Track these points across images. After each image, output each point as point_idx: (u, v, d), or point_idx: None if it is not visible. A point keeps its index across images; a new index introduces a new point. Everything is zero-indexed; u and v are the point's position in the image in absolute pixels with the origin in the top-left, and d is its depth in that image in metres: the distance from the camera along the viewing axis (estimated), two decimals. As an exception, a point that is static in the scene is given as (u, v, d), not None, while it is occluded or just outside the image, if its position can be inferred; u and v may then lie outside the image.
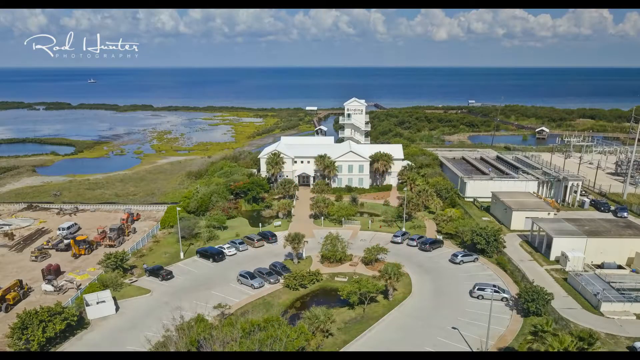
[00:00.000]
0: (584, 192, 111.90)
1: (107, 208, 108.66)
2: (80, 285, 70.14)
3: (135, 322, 60.23)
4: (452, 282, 70.71)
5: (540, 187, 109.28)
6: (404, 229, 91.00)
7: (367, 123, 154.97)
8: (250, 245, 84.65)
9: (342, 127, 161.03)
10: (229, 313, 60.54)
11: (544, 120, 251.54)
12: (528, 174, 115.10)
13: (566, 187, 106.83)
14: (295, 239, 76.24)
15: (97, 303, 61.94)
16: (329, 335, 56.07)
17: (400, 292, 67.37)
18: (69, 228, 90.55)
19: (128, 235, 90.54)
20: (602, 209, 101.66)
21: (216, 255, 78.50)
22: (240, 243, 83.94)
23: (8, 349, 53.99)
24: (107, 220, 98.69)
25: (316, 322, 54.80)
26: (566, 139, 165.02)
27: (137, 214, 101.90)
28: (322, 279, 71.53)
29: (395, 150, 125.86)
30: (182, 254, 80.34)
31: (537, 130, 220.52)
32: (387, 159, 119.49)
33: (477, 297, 65.05)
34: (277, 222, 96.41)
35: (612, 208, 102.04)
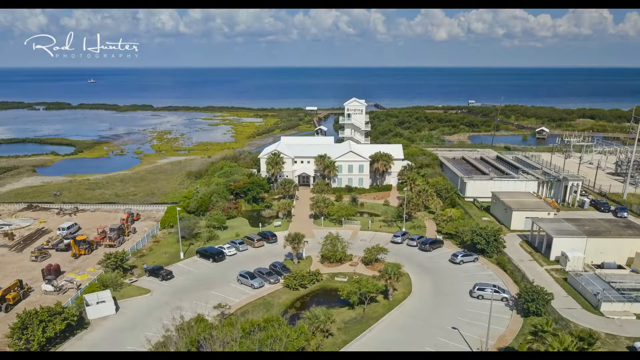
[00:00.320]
0: (584, 192, 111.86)
1: (107, 208, 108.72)
2: (80, 285, 70.15)
3: (135, 322, 60.23)
4: (452, 282, 70.72)
5: (540, 187, 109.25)
6: (404, 229, 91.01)
7: (367, 123, 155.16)
8: (250, 245, 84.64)
9: (342, 127, 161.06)
10: (229, 313, 60.51)
11: (544, 120, 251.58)
12: (528, 174, 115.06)
13: (566, 187, 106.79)
14: (295, 239, 76.23)
15: (97, 303, 61.95)
16: (329, 335, 56.08)
17: (400, 292, 67.38)
18: (69, 228, 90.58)
19: (128, 235, 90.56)
20: (602, 209, 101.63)
21: (216, 255, 78.51)
22: (240, 243, 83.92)
23: (8, 349, 53.97)
24: (107, 220, 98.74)
25: (316, 322, 54.76)
26: (566, 139, 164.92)
27: (137, 214, 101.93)
28: (322, 279, 71.53)
29: (395, 150, 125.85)
30: (182, 254, 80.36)
31: (537, 130, 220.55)
32: (387, 159, 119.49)
33: (477, 297, 65.07)
34: (277, 222, 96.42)
35: (612, 208, 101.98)
